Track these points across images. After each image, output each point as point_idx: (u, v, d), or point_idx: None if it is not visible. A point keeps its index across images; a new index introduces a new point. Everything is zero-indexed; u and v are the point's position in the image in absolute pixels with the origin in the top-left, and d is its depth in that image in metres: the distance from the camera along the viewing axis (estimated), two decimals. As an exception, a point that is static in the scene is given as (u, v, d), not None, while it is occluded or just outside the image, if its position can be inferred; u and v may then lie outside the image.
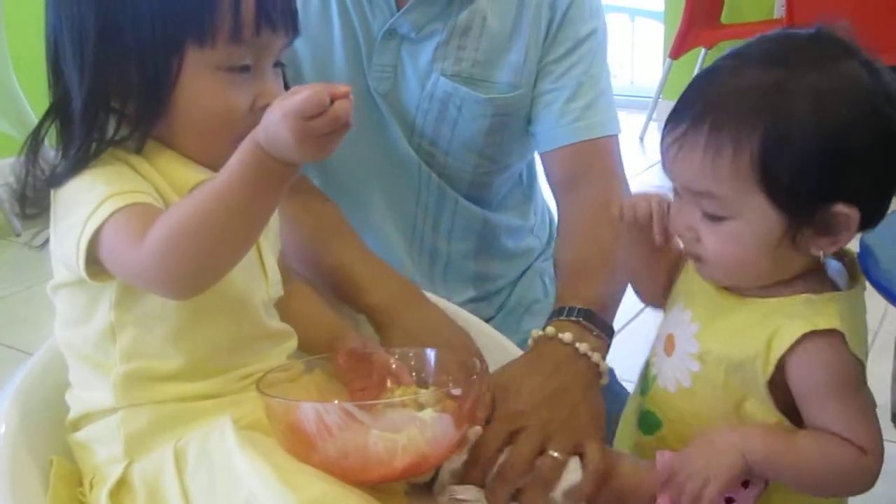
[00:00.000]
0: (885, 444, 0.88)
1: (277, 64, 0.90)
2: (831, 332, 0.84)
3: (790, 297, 0.88)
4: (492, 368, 1.04)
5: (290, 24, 0.89)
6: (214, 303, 0.87)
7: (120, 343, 0.87)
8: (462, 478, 0.96)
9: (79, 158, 0.84)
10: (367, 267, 1.17)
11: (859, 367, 0.86)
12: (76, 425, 0.91)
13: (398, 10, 1.22)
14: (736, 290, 0.91)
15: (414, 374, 1.00)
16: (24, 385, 0.96)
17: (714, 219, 0.87)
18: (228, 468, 0.81)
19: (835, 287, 0.89)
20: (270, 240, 0.98)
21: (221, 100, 0.85)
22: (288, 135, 0.71)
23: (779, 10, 4.18)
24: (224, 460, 0.82)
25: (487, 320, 1.28)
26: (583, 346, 1.05)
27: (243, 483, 0.79)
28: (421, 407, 0.88)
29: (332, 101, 0.71)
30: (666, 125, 0.89)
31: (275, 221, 1.00)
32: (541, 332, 1.08)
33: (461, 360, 0.98)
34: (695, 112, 0.85)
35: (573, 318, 1.08)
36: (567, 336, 1.05)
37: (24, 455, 0.91)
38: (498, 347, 1.15)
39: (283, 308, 1.00)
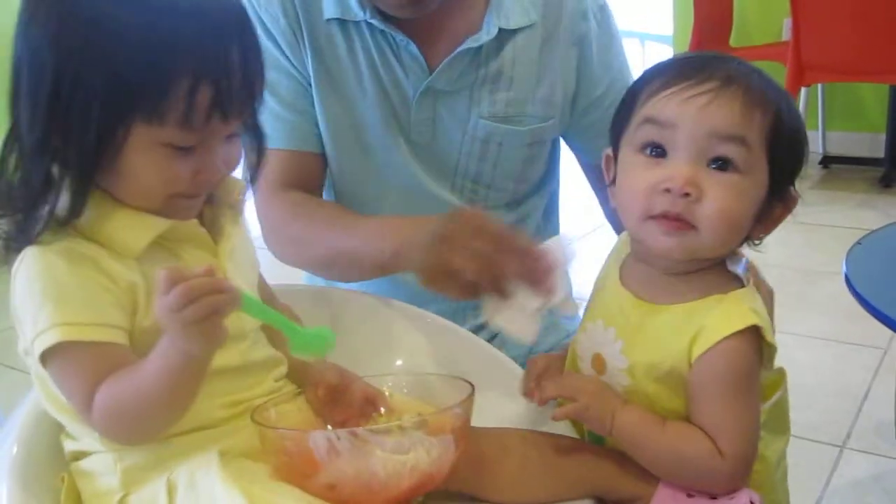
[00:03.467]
0: (887, 460, 0.89)
1: (232, 136, 0.89)
2: (748, 329, 0.89)
3: (703, 300, 0.92)
4: (489, 386, 1.05)
5: (245, 111, 0.88)
6: None
7: None
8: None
9: (34, 219, 0.85)
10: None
11: (768, 356, 0.92)
12: (76, 456, 0.93)
13: (430, 71, 1.27)
14: (651, 299, 0.95)
15: (406, 391, 1.02)
16: (35, 408, 0.97)
17: (725, 167, 0.89)
18: (211, 500, 0.82)
19: (737, 281, 0.95)
20: (244, 269, 0.98)
21: (163, 172, 0.85)
22: (175, 331, 0.77)
23: (786, 33, 4.20)
24: (208, 492, 0.83)
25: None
26: None
27: None
28: (420, 428, 0.89)
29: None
30: (678, 83, 0.91)
31: (250, 250, 1.01)
32: None
33: (452, 382, 0.99)
34: (723, 75, 0.90)
35: None
36: None
37: (34, 476, 0.92)
38: (497, 365, 1.16)
39: (268, 332, 1.01)
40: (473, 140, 1.30)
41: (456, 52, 1.25)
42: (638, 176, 0.92)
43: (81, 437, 0.91)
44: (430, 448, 0.87)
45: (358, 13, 1.24)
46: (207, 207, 0.95)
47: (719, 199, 0.89)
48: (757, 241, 0.96)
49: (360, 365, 1.07)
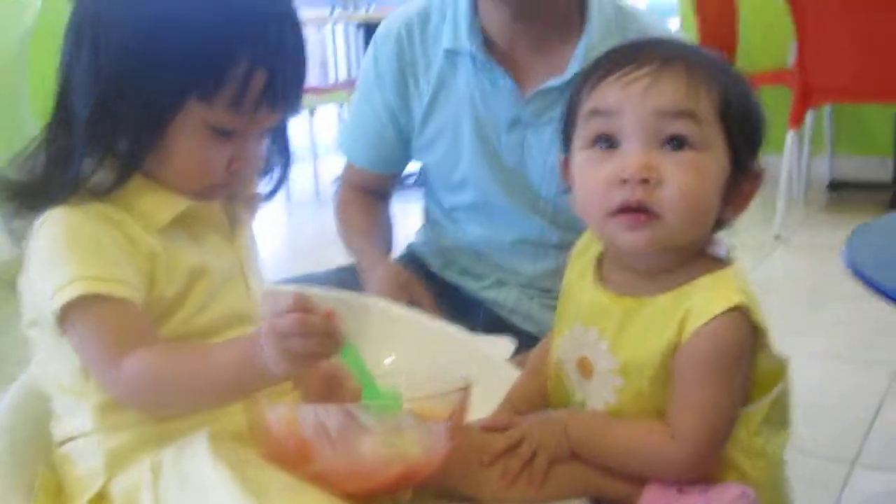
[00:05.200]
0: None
1: (265, 133, 0.94)
2: (735, 309, 0.86)
3: (688, 284, 0.89)
4: (483, 388, 1.02)
5: (291, 105, 0.92)
6: (191, 327, 0.90)
7: (93, 379, 0.88)
8: None
9: (66, 183, 0.87)
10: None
11: (755, 339, 0.89)
12: (61, 442, 0.92)
13: (520, 100, 1.42)
14: (634, 294, 0.92)
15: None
16: (14, 401, 0.95)
17: (681, 146, 0.87)
18: (198, 481, 0.81)
19: (721, 263, 0.93)
20: (255, 266, 1.01)
21: (200, 154, 0.90)
22: (272, 351, 0.77)
23: (792, 59, 4.20)
24: (195, 473, 0.81)
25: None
26: None
27: (210, 496, 0.79)
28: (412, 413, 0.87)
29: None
30: (617, 69, 0.89)
31: (256, 248, 1.03)
32: None
33: (448, 380, 0.96)
34: (663, 56, 0.89)
35: None
36: None
37: (12, 468, 0.91)
38: (491, 367, 1.14)
39: None
40: (553, 171, 1.38)
41: (539, 88, 1.40)
42: (592, 172, 0.89)
43: (73, 416, 0.90)
44: (421, 434, 0.85)
45: (466, 45, 1.42)
46: (227, 201, 0.98)
47: (679, 179, 0.85)
48: (729, 225, 0.94)
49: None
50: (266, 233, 3.94)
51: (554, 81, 1.40)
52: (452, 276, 1.52)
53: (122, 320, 0.83)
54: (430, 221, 1.58)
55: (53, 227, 0.86)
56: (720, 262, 0.93)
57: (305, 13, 4.73)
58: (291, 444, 0.83)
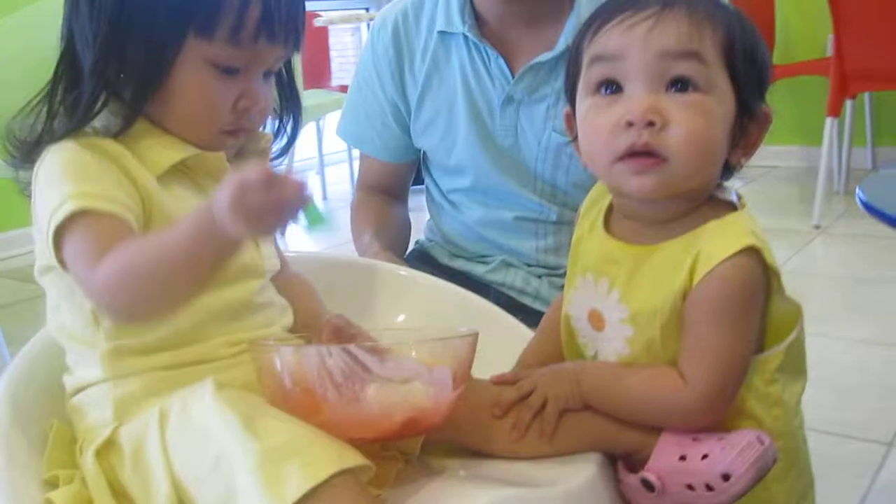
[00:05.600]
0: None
1: (269, 73, 0.94)
2: (746, 251, 0.85)
3: (698, 229, 0.88)
4: (496, 346, 1.02)
5: (291, 38, 0.92)
6: None
7: (103, 325, 0.88)
8: None
9: (66, 124, 0.88)
10: None
11: (770, 281, 0.87)
12: (73, 393, 0.92)
13: (512, 79, 1.43)
14: (644, 242, 0.91)
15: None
16: (30, 355, 0.96)
17: (685, 88, 0.86)
18: (203, 426, 0.81)
19: (731, 207, 0.91)
20: None
21: (206, 93, 0.90)
22: (226, 200, 0.72)
23: (830, 49, 4.14)
24: (201, 418, 0.81)
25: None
26: None
27: (214, 439, 0.79)
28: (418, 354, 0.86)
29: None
30: (615, 15, 0.89)
31: None
32: None
33: (457, 332, 0.96)
34: (663, 0, 0.88)
35: None
36: None
37: (25, 420, 0.91)
38: (504, 326, 1.13)
39: (277, 283, 1.02)
40: (547, 150, 1.43)
41: (529, 64, 1.41)
42: (597, 117, 0.89)
43: (83, 367, 0.90)
44: (427, 381, 0.84)
45: (459, 26, 1.43)
46: (236, 158, 0.97)
47: (685, 121, 0.84)
48: (738, 168, 0.93)
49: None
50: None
51: (544, 56, 1.41)
52: (461, 265, 1.52)
53: (106, 231, 0.82)
54: (433, 206, 1.59)
55: (51, 159, 0.87)
56: (730, 207, 0.91)
57: (339, 14, 4.77)
58: (297, 392, 0.83)
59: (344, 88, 3.46)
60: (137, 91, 0.89)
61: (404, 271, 1.26)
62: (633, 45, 0.87)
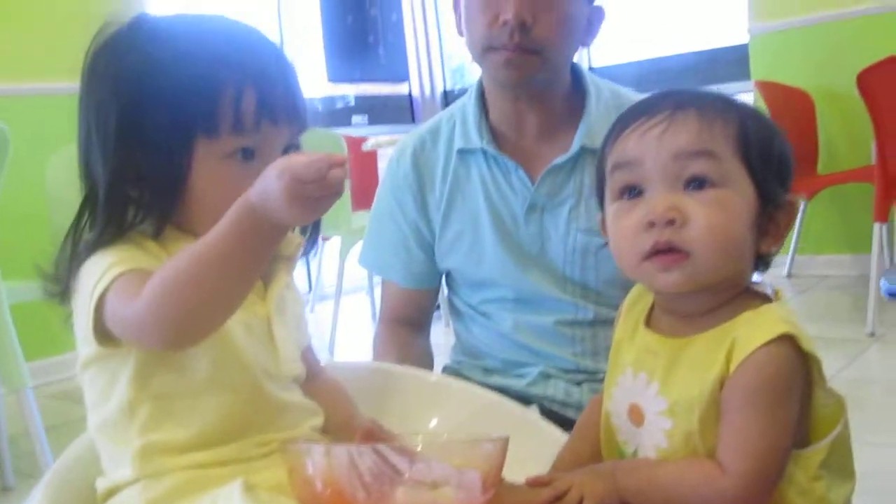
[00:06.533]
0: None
1: (289, 149, 0.96)
2: (782, 338, 0.85)
3: (733, 320, 0.89)
4: (528, 456, 1.01)
5: (294, 118, 0.95)
6: (224, 374, 0.91)
7: (137, 418, 0.90)
8: None
9: (99, 240, 0.91)
10: None
11: (811, 370, 0.87)
12: (106, 496, 0.93)
13: (533, 186, 1.46)
14: (681, 335, 0.92)
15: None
16: (70, 458, 0.98)
17: (702, 186, 0.88)
18: None
19: (766, 299, 0.92)
20: (289, 323, 1.01)
21: (231, 186, 0.89)
22: (281, 194, 0.74)
23: (874, 157, 4.13)
24: None
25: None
26: None
27: None
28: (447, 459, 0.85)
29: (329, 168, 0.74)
30: (630, 123, 0.93)
31: (298, 308, 1.04)
32: None
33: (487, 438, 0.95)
34: (673, 104, 0.91)
35: None
36: None
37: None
38: (538, 433, 1.12)
39: (304, 387, 1.03)
40: (574, 252, 1.44)
41: (547, 168, 1.44)
42: (622, 221, 0.93)
43: (116, 467, 0.92)
44: (456, 485, 0.83)
45: (477, 142, 1.48)
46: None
47: (704, 215, 0.87)
48: (770, 257, 0.94)
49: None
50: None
51: (560, 158, 1.44)
52: (497, 381, 1.49)
53: (145, 277, 0.82)
54: (460, 324, 1.58)
55: (94, 254, 0.90)
56: (765, 299, 0.92)
57: (387, 138, 4.89)
58: (328, 494, 0.82)
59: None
60: (162, 202, 0.92)
61: (436, 377, 1.26)
62: (648, 149, 0.91)
